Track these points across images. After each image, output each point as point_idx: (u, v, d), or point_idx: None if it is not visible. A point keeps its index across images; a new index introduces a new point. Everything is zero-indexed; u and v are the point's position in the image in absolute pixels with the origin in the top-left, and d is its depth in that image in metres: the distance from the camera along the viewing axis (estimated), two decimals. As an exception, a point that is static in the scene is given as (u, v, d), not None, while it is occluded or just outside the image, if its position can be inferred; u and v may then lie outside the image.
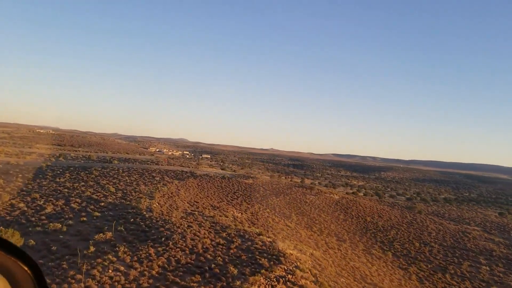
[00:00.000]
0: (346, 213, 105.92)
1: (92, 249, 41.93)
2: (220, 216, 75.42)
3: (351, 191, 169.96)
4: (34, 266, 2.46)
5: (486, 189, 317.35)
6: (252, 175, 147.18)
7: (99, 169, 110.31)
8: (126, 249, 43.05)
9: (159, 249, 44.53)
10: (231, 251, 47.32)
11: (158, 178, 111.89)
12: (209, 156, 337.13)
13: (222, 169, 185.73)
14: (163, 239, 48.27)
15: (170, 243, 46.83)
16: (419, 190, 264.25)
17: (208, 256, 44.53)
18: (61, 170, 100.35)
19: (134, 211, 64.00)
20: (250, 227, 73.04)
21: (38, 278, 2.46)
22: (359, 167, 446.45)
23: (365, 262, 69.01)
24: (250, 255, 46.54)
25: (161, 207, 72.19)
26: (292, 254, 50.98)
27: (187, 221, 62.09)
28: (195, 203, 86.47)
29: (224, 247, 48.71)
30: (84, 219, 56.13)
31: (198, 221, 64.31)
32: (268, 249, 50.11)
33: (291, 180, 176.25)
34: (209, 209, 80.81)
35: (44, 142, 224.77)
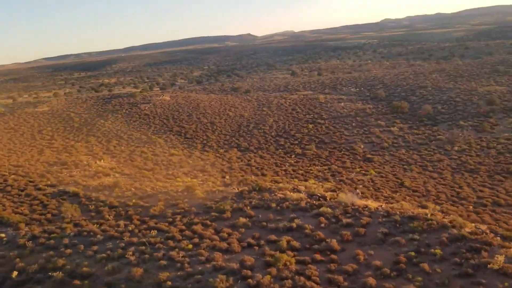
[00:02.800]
0: (206, 116, 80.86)
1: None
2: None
3: (137, 90, 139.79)
4: None
5: (215, 59, 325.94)
6: None
7: None
8: None
9: None
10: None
11: None
12: None
13: None
14: None
15: None
16: (172, 74, 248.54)
17: None
18: None
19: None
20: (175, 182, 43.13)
21: None
22: (84, 66, 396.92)
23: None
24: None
25: None
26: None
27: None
28: None
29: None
30: None
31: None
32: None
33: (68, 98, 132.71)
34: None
35: None
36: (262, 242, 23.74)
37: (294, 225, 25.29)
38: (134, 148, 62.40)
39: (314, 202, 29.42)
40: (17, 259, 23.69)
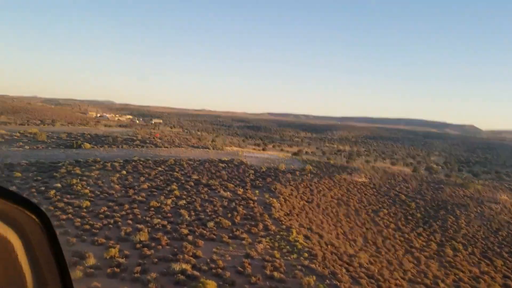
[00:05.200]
0: None
1: None
2: None
3: (398, 167, 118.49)
4: (42, 215, 2.14)
5: (441, 145, 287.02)
6: (346, 165, 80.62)
7: (75, 170, 46.23)
8: None
9: None
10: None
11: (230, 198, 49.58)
12: (161, 121, 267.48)
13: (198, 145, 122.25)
14: None
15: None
16: (405, 153, 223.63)
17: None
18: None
19: None
20: None
21: (46, 227, 2.15)
22: (306, 127, 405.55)
23: None
24: None
25: None
26: None
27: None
28: None
29: None
30: None
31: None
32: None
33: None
34: None
35: None
36: None
37: None
38: None
39: None
40: None
